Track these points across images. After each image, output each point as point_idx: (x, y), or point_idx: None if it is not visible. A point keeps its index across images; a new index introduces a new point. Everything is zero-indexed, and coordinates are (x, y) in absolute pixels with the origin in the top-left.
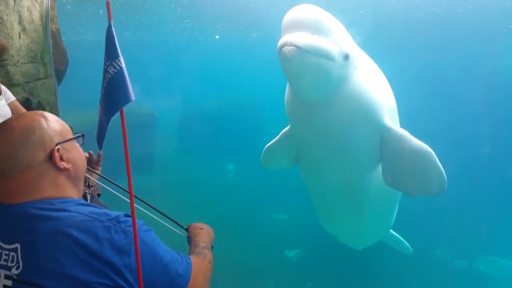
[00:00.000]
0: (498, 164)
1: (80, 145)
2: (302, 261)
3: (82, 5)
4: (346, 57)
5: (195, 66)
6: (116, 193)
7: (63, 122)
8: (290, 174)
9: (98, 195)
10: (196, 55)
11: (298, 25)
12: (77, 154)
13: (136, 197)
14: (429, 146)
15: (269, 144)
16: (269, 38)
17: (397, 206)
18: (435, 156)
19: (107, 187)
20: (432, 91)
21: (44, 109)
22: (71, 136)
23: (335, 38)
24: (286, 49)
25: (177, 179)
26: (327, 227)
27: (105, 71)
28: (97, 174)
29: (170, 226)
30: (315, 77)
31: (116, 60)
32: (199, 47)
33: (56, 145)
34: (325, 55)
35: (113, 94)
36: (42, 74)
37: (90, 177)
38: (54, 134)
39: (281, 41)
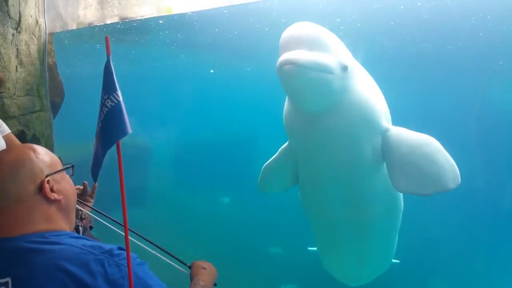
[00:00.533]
0: (492, 199)
1: (70, 176)
2: None
3: (79, 39)
4: (345, 68)
5: (190, 99)
6: (109, 225)
7: (52, 154)
8: (286, 207)
9: (91, 227)
10: (191, 88)
11: (296, 42)
12: (68, 185)
13: (131, 231)
14: None
15: (267, 162)
16: (262, 72)
17: (397, 232)
18: (439, 143)
19: (100, 220)
20: (422, 127)
21: (39, 142)
22: (60, 167)
23: (333, 51)
24: (287, 67)
25: (171, 212)
26: (326, 259)
27: (103, 104)
28: (89, 207)
29: (174, 264)
30: (317, 91)
31: (114, 94)
32: (193, 80)
33: (46, 176)
34: (325, 69)
35: (110, 127)
36: (37, 107)
37: (82, 209)
38: (43, 166)
39: (280, 60)
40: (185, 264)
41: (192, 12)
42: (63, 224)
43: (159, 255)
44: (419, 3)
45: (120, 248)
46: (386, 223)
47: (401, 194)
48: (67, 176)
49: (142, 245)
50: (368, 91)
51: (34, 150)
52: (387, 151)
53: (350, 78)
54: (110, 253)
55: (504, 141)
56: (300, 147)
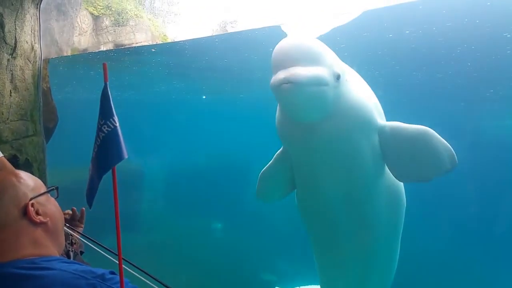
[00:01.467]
0: (487, 221)
1: (55, 198)
2: None
3: (74, 66)
4: (338, 77)
5: (183, 125)
6: (100, 251)
7: (36, 178)
8: (279, 233)
9: (81, 252)
10: (184, 113)
11: (289, 59)
12: (53, 207)
13: (125, 260)
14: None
15: (263, 169)
16: (254, 98)
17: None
18: (432, 130)
19: (90, 245)
20: None
21: (31, 166)
22: (44, 190)
23: (326, 62)
24: (285, 86)
25: (163, 238)
26: (326, 272)
27: (99, 129)
28: (79, 232)
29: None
30: (314, 105)
31: (111, 119)
32: (186, 106)
33: (30, 199)
34: (321, 83)
35: (106, 152)
36: (31, 132)
37: (73, 234)
38: (27, 190)
39: (277, 78)
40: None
41: (185, 41)
42: (52, 248)
43: (150, 283)
44: (407, 31)
45: (111, 273)
46: (389, 221)
47: (403, 191)
48: (52, 198)
49: (133, 272)
50: (360, 92)
51: (16, 175)
52: (385, 146)
53: (342, 85)
54: (102, 277)
55: (495, 166)
56: (296, 154)
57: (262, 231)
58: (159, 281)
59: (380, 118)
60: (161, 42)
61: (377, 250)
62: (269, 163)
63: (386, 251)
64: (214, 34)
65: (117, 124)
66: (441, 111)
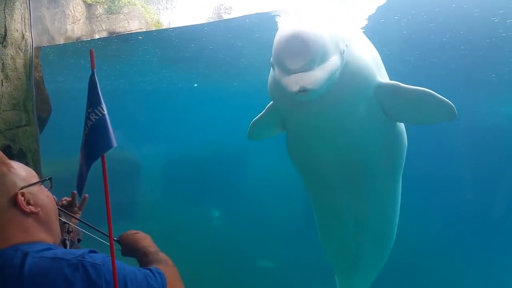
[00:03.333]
0: (485, 209)
1: (49, 189)
2: None
3: (64, 55)
4: (344, 51)
5: (176, 114)
6: (97, 237)
7: (29, 168)
8: (277, 220)
9: (79, 240)
10: (177, 102)
11: (299, 61)
12: (46, 198)
13: (116, 241)
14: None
15: (255, 119)
16: (247, 86)
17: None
18: (432, 92)
19: (87, 233)
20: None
21: (25, 157)
22: (37, 180)
23: (334, 47)
24: (301, 94)
25: (161, 226)
26: (326, 238)
27: (87, 118)
28: (77, 218)
29: (102, 240)
30: (325, 92)
31: (98, 107)
32: (179, 95)
33: (21, 189)
34: (333, 75)
35: (95, 140)
36: (24, 122)
37: (69, 222)
38: (17, 180)
39: (290, 86)
40: (113, 239)
41: (174, 28)
42: (43, 236)
43: (88, 233)
44: (396, 17)
45: (91, 251)
46: (388, 173)
47: (404, 140)
48: (45, 189)
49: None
50: (361, 52)
51: (7, 165)
52: (384, 102)
53: (346, 54)
54: (82, 256)
55: (491, 153)
56: (292, 117)
57: (258, 219)
58: (93, 227)
59: (380, 75)
60: (150, 29)
61: (375, 192)
62: (261, 114)
63: (385, 207)
64: (208, 21)
65: (105, 112)
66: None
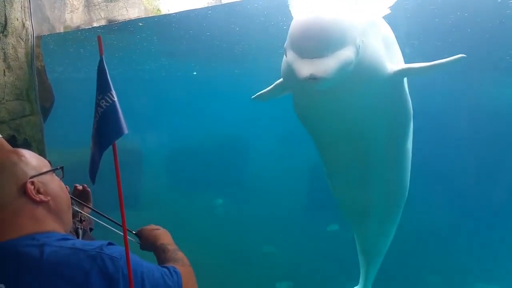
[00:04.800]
0: (488, 192)
1: (60, 178)
2: None
3: (64, 44)
4: (359, 47)
5: (175, 102)
6: (109, 226)
7: (40, 157)
8: (279, 207)
9: (91, 229)
10: (176, 91)
11: (314, 47)
12: (57, 187)
13: (130, 231)
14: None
15: (263, 91)
16: (248, 72)
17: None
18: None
19: (99, 222)
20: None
21: (30, 146)
22: (48, 169)
23: (351, 38)
24: (311, 82)
25: (165, 214)
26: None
27: (97, 105)
28: (89, 207)
29: (120, 232)
30: (338, 83)
31: (109, 93)
32: (178, 83)
33: (31, 178)
34: (347, 66)
35: (106, 128)
36: (27, 111)
37: (81, 211)
38: (27, 169)
39: (302, 73)
40: (131, 232)
41: (174, 13)
42: (54, 225)
43: (109, 226)
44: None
45: (109, 244)
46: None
47: (410, 113)
48: (57, 178)
49: (132, 239)
50: (374, 46)
51: (17, 154)
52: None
53: (362, 51)
54: (100, 248)
55: (496, 136)
56: (300, 101)
57: (261, 206)
58: (110, 219)
59: (394, 63)
60: (150, 16)
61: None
62: (269, 88)
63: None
64: (209, 5)
65: (115, 99)
66: (441, 80)
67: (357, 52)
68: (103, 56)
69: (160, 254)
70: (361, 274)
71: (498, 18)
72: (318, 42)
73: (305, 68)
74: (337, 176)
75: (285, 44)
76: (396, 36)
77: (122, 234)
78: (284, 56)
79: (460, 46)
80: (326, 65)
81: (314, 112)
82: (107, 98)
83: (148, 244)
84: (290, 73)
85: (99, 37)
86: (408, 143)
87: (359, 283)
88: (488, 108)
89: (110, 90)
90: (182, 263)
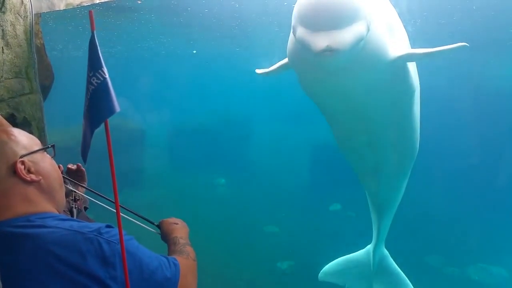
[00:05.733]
0: (489, 173)
1: (52, 157)
2: (295, 272)
3: (62, 22)
4: (371, 20)
5: (176, 81)
6: (104, 205)
7: (31, 136)
8: (280, 187)
9: (85, 208)
10: (177, 69)
11: (328, 19)
12: (48, 165)
13: (122, 207)
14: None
15: (267, 70)
16: (251, 53)
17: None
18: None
19: (95, 200)
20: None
21: (30, 125)
22: (38, 148)
23: (363, 14)
24: (328, 54)
25: (167, 194)
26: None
27: (89, 82)
28: (83, 186)
29: (142, 224)
30: (349, 61)
31: (100, 70)
32: (179, 61)
33: (21, 157)
34: (360, 41)
35: (97, 105)
36: (27, 90)
37: (76, 190)
38: (17, 148)
39: (317, 45)
40: (153, 223)
41: None
42: (47, 205)
43: (127, 217)
44: None
45: (108, 226)
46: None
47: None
48: (48, 157)
49: (128, 217)
50: (382, 24)
51: (7, 133)
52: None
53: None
54: (98, 231)
55: (499, 117)
56: (306, 81)
57: (263, 184)
58: (133, 212)
59: (398, 47)
60: None
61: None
62: (272, 68)
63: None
64: None
65: (107, 76)
66: (446, 60)
67: (368, 28)
68: (95, 32)
69: (170, 246)
70: (373, 233)
71: None
72: (334, 13)
73: (321, 41)
74: (346, 142)
75: (292, 23)
76: (398, 13)
77: (121, 213)
78: (291, 35)
79: (465, 25)
80: (342, 37)
81: (320, 90)
82: (98, 75)
83: (164, 236)
84: (300, 50)
85: (90, 12)
86: (416, 113)
87: (372, 241)
88: (492, 89)
89: (101, 67)
90: (186, 257)
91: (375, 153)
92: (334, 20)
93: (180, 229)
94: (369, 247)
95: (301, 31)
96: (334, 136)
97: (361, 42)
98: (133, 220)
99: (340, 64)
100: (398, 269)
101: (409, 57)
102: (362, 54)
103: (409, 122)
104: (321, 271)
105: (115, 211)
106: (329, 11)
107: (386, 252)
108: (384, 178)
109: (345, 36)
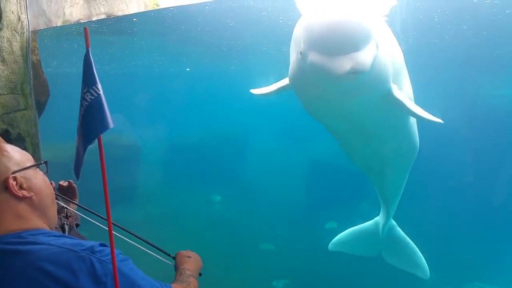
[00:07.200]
0: (484, 190)
1: (44, 173)
2: None
3: (58, 39)
4: (377, 41)
5: (171, 98)
6: (96, 222)
7: (23, 152)
8: (276, 204)
9: (77, 225)
10: (170, 86)
11: (345, 43)
12: (40, 182)
13: (115, 225)
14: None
15: (264, 92)
16: (247, 70)
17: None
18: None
19: (86, 217)
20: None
21: (24, 141)
22: (31, 164)
23: (373, 34)
24: (350, 77)
25: (162, 211)
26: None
27: (82, 98)
28: (75, 203)
29: (158, 256)
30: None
31: (94, 87)
32: (172, 79)
33: (13, 173)
34: (365, 70)
35: (91, 121)
36: (22, 105)
37: (68, 207)
38: (10, 164)
39: (336, 67)
40: (169, 255)
41: (171, 8)
42: (39, 222)
43: (143, 248)
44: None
45: (101, 245)
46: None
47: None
48: (41, 173)
49: (127, 239)
50: (384, 57)
51: (0, 149)
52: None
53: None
54: (91, 250)
55: (493, 136)
56: (309, 103)
57: (259, 203)
58: (151, 244)
59: (396, 80)
60: (145, 10)
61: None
62: (271, 89)
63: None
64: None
65: (101, 92)
66: (438, 78)
67: (377, 47)
68: (89, 49)
69: (176, 275)
70: (381, 209)
71: (497, 14)
72: (350, 36)
73: (343, 64)
74: (353, 152)
75: (300, 49)
76: (392, 31)
77: (116, 231)
78: (296, 60)
79: (457, 44)
80: (363, 58)
81: (329, 112)
82: (92, 91)
83: (175, 266)
84: (311, 75)
85: (85, 29)
86: (414, 121)
87: (380, 214)
88: (485, 108)
89: (95, 83)
90: (185, 286)
91: (380, 159)
92: (352, 43)
93: (190, 262)
94: (377, 218)
95: (315, 57)
96: (340, 145)
97: (374, 60)
98: (150, 251)
99: (360, 85)
100: (407, 237)
101: (397, 102)
102: (372, 73)
103: (409, 129)
104: (331, 242)
105: (107, 228)
106: (345, 34)
107: (393, 222)
108: (389, 175)
109: (365, 57)
